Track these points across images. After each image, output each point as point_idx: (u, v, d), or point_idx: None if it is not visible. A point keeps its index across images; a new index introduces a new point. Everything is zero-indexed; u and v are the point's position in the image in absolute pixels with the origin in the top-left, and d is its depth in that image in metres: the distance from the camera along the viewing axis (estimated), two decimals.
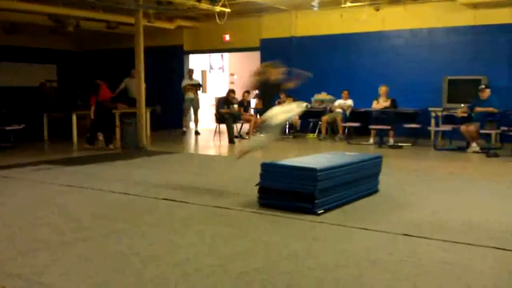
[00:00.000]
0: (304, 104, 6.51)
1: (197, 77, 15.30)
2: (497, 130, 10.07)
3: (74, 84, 16.19)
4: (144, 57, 10.96)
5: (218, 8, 12.10)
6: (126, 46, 13.73)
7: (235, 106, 12.87)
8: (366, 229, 4.50)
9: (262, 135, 6.16)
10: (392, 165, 7.92)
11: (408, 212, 5.17)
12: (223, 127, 12.51)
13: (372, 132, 11.67)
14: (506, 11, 11.28)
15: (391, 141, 11.28)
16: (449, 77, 11.62)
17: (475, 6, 11.41)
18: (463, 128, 10.06)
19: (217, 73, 18.71)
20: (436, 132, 11.15)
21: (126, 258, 3.76)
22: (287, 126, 13.83)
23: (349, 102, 12.53)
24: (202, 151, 11.27)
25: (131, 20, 11.52)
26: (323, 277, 3.37)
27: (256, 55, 15.08)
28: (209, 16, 13.89)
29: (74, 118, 11.97)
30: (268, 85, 6.21)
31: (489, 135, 10.24)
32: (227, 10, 12.22)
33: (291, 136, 13.19)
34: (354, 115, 12.48)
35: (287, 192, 5.12)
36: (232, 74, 18.67)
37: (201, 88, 14.90)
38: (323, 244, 4.11)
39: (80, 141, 11.49)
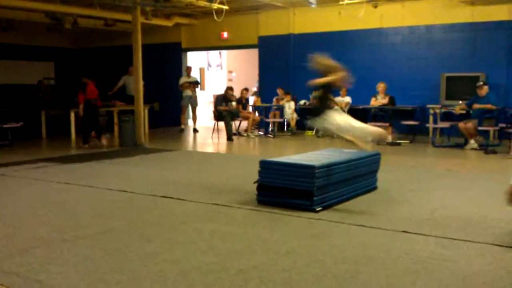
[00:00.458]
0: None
1: (195, 74, 15.28)
2: (495, 127, 10.08)
3: (71, 81, 16.18)
4: (142, 55, 10.94)
5: (215, 5, 12.08)
6: (123, 44, 13.72)
7: (233, 103, 12.85)
8: (364, 226, 4.50)
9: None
10: (391, 162, 7.92)
11: (406, 209, 5.17)
12: (222, 124, 12.50)
13: None
14: (504, 7, 11.27)
15: (390, 138, 11.28)
16: (447, 74, 11.62)
17: (472, 2, 11.40)
18: (461, 125, 10.07)
19: (215, 71, 18.71)
20: (434, 129, 11.16)
21: (124, 255, 3.75)
22: (286, 124, 13.85)
23: (347, 99, 12.52)
24: (200, 148, 11.26)
25: (128, 17, 11.50)
26: (322, 274, 3.37)
27: (254, 52, 15.08)
28: (206, 13, 13.87)
29: (72, 115, 11.96)
30: (331, 87, 5.95)
31: (487, 132, 10.25)
32: (225, 7, 12.20)
33: (289, 134, 13.18)
34: (352, 112, 12.46)
35: (285, 190, 5.12)
36: (230, 72, 18.67)
37: (199, 86, 14.89)
38: (321, 241, 4.11)
39: (78, 138, 11.48)
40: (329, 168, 5.17)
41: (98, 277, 3.33)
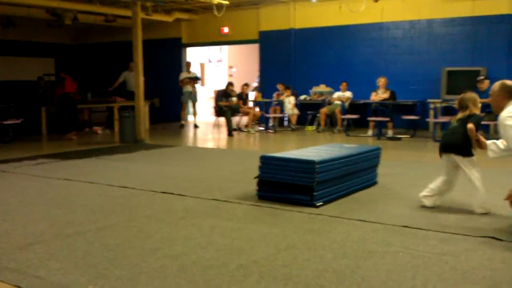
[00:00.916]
0: None
1: (195, 70, 15.27)
2: (495, 121, 10.04)
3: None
4: (142, 50, 10.92)
5: (216, 1, 12.05)
6: (124, 39, 13.71)
7: (234, 99, 12.84)
8: (365, 221, 4.50)
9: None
10: (391, 157, 7.91)
11: (406, 203, 5.17)
12: (222, 120, 12.49)
13: (371, 124, 11.66)
14: (504, 1, 11.25)
15: (390, 133, 11.28)
16: (448, 69, 11.60)
17: None
18: None
19: (215, 66, 18.68)
20: (435, 123, 11.14)
21: (124, 251, 3.75)
22: (286, 119, 13.85)
23: (348, 94, 12.51)
24: (200, 144, 11.25)
25: (128, 13, 11.48)
26: (322, 269, 3.37)
27: (255, 47, 15.06)
28: (207, 8, 13.84)
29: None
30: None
31: (487, 126, 10.23)
32: (225, 2, 12.17)
33: (289, 129, 13.18)
34: (352, 107, 12.47)
35: (286, 185, 5.12)
36: (231, 67, 18.64)
37: (199, 81, 14.87)
38: (322, 236, 4.10)
39: (79, 134, 11.48)
40: (329, 163, 5.17)
41: (98, 272, 3.33)
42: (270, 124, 13.31)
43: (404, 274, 3.28)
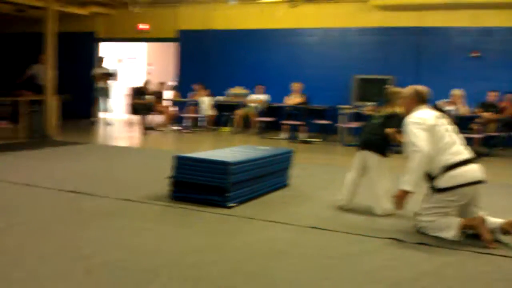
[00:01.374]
0: None
1: (113, 66, 14.83)
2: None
3: None
4: (55, 43, 10.47)
5: None
6: (36, 31, 13.04)
7: (149, 97, 12.61)
8: (275, 222, 4.57)
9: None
10: (303, 160, 8.10)
11: (317, 205, 5.31)
12: (136, 118, 12.22)
13: (284, 127, 11.90)
14: (413, 14, 11.89)
15: (303, 136, 11.56)
16: (359, 76, 12.08)
17: (384, 8, 11.92)
18: None
19: (133, 63, 18.25)
20: (344, 128, 11.54)
21: (24, 253, 3.56)
22: (203, 120, 13.79)
23: (263, 97, 12.66)
24: (112, 142, 10.94)
25: (41, 3, 10.95)
26: (232, 269, 3.38)
27: (175, 46, 14.88)
28: (125, 3, 13.51)
29: None
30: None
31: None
32: None
33: (205, 129, 13.13)
34: (268, 110, 12.65)
35: (200, 186, 5.09)
36: (150, 64, 18.28)
37: (113, 77, 14.45)
38: (232, 238, 4.12)
39: None
40: (243, 164, 5.20)
41: None
42: (186, 124, 13.18)
43: (312, 274, 3.37)
